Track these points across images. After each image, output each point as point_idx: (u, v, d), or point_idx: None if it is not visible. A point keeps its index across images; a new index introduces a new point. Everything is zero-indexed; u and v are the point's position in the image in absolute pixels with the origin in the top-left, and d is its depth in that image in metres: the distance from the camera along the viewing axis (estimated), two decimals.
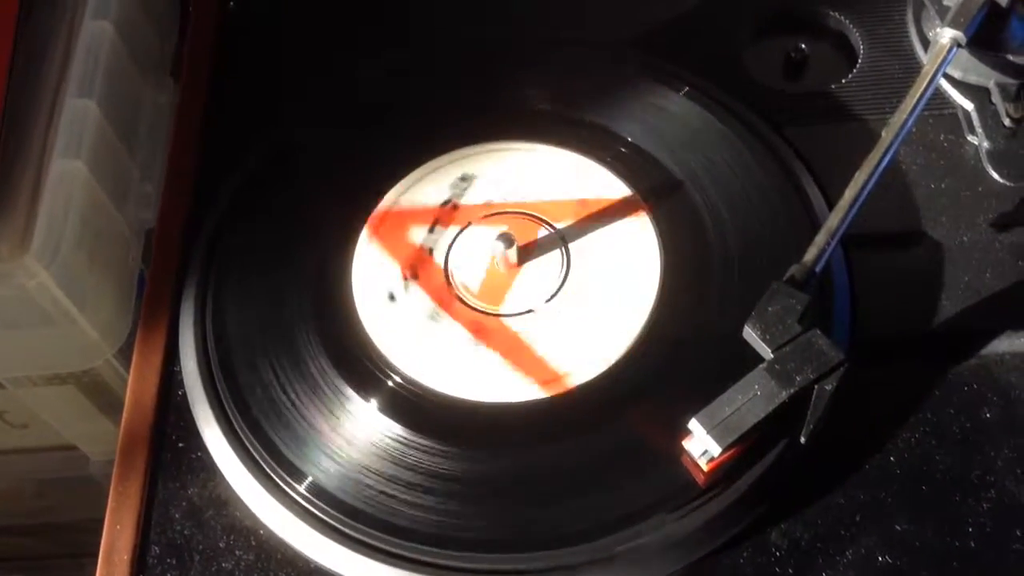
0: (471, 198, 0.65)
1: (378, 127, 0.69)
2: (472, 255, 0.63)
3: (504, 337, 0.60)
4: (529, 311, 0.61)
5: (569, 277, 0.62)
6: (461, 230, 0.64)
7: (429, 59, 0.72)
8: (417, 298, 0.62)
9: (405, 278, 0.62)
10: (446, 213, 0.64)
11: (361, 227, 0.64)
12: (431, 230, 0.64)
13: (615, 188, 0.64)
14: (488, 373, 0.59)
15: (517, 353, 0.60)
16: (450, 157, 0.66)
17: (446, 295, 0.62)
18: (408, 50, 0.73)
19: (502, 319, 0.61)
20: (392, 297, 0.61)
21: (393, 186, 0.65)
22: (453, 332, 0.61)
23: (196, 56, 0.74)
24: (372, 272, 0.62)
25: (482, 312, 0.61)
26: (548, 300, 0.61)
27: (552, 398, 0.58)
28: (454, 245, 0.63)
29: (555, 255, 0.62)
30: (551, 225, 0.63)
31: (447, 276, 0.62)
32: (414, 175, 0.66)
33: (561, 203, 0.64)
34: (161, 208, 0.69)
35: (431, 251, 0.63)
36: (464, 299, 0.62)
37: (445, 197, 0.65)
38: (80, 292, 0.66)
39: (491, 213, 0.64)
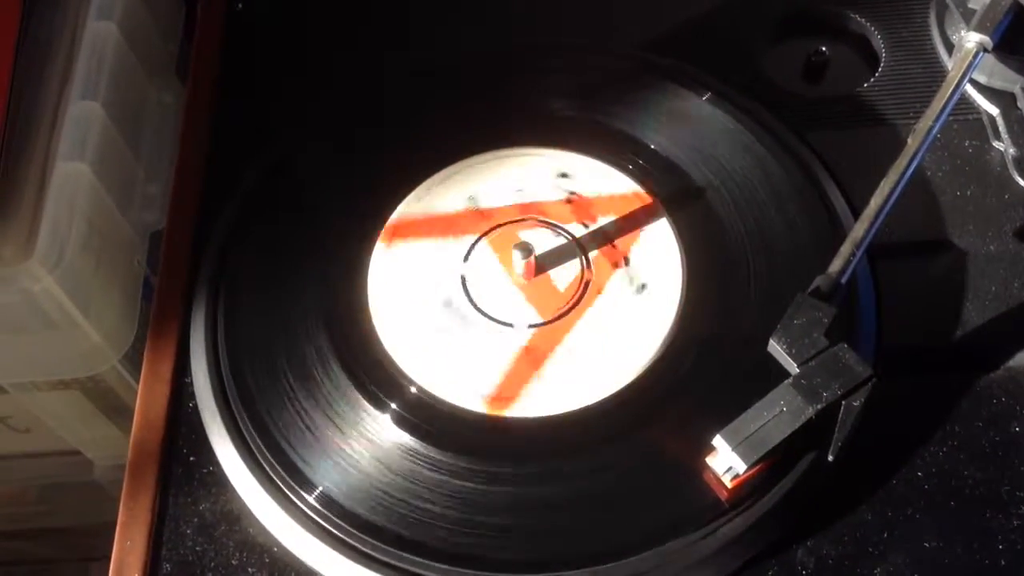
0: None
1: (393, 131, 0.68)
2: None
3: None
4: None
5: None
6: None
7: (446, 63, 0.70)
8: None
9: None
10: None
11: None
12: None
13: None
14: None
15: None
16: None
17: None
18: (425, 53, 0.71)
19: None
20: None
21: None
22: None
23: (204, 57, 0.73)
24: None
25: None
26: None
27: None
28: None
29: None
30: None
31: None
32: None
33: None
34: (169, 214, 0.67)
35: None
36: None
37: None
38: (85, 297, 0.65)
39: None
